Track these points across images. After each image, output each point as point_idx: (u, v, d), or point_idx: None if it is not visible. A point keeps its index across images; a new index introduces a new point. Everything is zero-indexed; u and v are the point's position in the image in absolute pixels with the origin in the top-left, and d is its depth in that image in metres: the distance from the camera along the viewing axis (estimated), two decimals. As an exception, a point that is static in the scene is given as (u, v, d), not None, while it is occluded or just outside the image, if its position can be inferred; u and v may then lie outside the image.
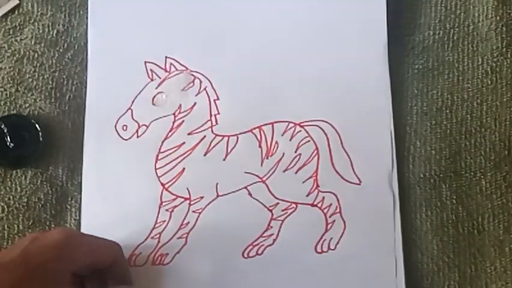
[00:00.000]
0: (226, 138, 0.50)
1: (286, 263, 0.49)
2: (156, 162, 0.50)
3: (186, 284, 0.49)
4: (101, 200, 0.50)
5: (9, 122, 0.50)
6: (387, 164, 0.50)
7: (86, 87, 0.52)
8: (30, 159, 0.50)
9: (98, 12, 0.53)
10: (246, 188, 0.50)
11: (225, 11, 0.52)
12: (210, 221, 0.49)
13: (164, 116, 0.51)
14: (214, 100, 0.51)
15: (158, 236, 0.49)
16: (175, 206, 0.50)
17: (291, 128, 0.50)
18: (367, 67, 0.51)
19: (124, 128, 0.51)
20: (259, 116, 0.51)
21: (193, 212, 0.50)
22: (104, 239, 0.45)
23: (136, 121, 0.51)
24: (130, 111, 0.51)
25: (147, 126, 0.51)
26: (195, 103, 0.51)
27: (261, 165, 0.50)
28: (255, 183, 0.50)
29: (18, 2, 0.53)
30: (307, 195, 0.50)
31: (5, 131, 0.50)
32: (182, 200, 0.50)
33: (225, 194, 0.50)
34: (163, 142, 0.50)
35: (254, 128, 0.51)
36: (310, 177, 0.50)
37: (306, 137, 0.50)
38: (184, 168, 0.50)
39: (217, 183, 0.50)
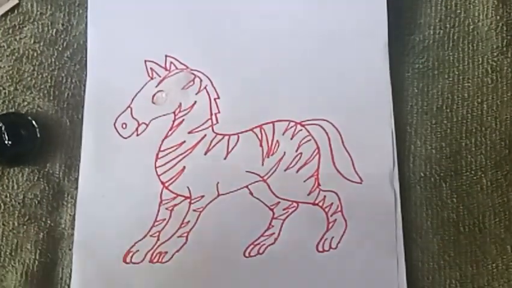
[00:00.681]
0: (226, 137, 0.50)
1: (287, 262, 0.49)
2: (156, 160, 0.50)
3: (186, 283, 0.49)
4: (100, 197, 0.49)
5: (7, 120, 0.50)
6: (389, 163, 0.50)
7: (85, 86, 0.51)
8: (28, 156, 0.50)
9: (98, 11, 0.52)
10: (247, 187, 0.50)
11: (225, 10, 0.52)
12: (211, 220, 0.49)
13: (164, 115, 0.50)
14: (215, 99, 0.51)
15: (157, 234, 0.49)
16: (175, 205, 0.49)
17: (292, 127, 0.50)
18: (368, 66, 0.51)
19: (124, 126, 0.50)
20: (260, 115, 0.51)
21: (194, 210, 0.49)
22: None
23: (135, 119, 0.50)
24: (129, 109, 0.50)
25: (147, 125, 0.50)
26: (195, 102, 0.51)
27: (262, 164, 0.50)
28: (256, 182, 0.50)
29: (17, 1, 0.53)
30: (308, 194, 0.50)
31: (3, 129, 0.50)
32: (183, 198, 0.49)
33: (226, 193, 0.49)
34: (163, 141, 0.50)
35: (255, 127, 0.50)
36: (311, 176, 0.50)
37: (307, 136, 0.50)
38: (184, 167, 0.50)
39: (217, 182, 0.50)
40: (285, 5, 0.52)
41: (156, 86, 0.51)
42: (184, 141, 0.50)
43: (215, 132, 0.50)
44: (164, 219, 0.49)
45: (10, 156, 0.50)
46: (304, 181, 0.50)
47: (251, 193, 0.50)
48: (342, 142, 0.50)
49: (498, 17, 0.52)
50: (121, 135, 0.50)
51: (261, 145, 0.50)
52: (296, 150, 0.50)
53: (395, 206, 0.49)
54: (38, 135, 0.50)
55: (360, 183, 0.50)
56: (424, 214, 0.50)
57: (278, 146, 0.50)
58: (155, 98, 0.51)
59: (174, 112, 0.51)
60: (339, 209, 0.49)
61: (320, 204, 0.49)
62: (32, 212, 0.50)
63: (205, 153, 0.50)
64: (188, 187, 0.49)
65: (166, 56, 0.51)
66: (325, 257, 0.49)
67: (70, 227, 0.50)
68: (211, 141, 0.50)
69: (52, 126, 0.51)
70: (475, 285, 0.49)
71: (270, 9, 0.52)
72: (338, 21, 0.52)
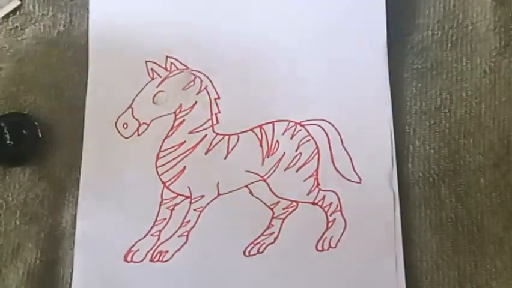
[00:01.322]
0: (227, 137, 0.51)
1: (287, 261, 0.49)
2: (157, 160, 0.50)
3: (186, 282, 0.49)
4: (101, 196, 0.50)
5: (8, 120, 0.51)
6: (388, 163, 0.50)
7: (86, 86, 0.51)
8: (30, 156, 0.50)
9: (99, 12, 0.53)
10: (247, 186, 0.50)
11: (225, 11, 0.52)
12: (211, 220, 0.49)
13: (165, 115, 0.51)
14: (215, 99, 0.51)
15: (158, 233, 0.49)
16: (176, 204, 0.50)
17: (291, 127, 0.51)
18: (367, 67, 0.51)
19: (125, 126, 0.51)
20: (260, 115, 0.51)
21: (194, 210, 0.50)
22: None
23: (136, 119, 0.51)
24: (130, 109, 0.51)
25: (148, 125, 0.51)
26: (196, 102, 0.51)
27: (262, 164, 0.50)
28: (256, 181, 0.50)
29: (19, 2, 0.53)
30: (308, 194, 0.50)
31: (5, 129, 0.50)
32: (183, 198, 0.50)
33: (226, 193, 0.50)
34: (163, 141, 0.50)
35: (255, 127, 0.51)
36: (311, 176, 0.50)
37: (307, 136, 0.51)
38: (185, 167, 0.50)
39: (218, 182, 0.50)
40: (285, 5, 0.53)
41: (157, 86, 0.51)
42: (185, 141, 0.51)
43: (215, 132, 0.51)
44: (165, 218, 0.49)
45: (12, 156, 0.50)
46: (303, 181, 0.50)
47: (251, 193, 0.50)
48: (342, 142, 0.50)
49: (496, 18, 0.52)
50: (122, 135, 0.51)
51: (261, 145, 0.51)
52: (296, 150, 0.50)
53: (393, 205, 0.50)
54: (40, 135, 0.50)
55: (359, 183, 0.50)
56: (423, 214, 0.50)
57: (278, 146, 0.51)
58: (156, 98, 0.51)
59: (175, 112, 0.51)
60: (338, 208, 0.50)
61: (320, 203, 0.50)
62: (33, 212, 0.50)
63: (206, 153, 0.50)
64: (188, 187, 0.50)
65: (166, 56, 0.52)
66: (324, 256, 0.49)
67: (71, 226, 0.50)
68: (212, 141, 0.51)
69: (54, 126, 0.51)
70: (473, 285, 0.49)
71: (269, 9, 0.53)
72: (337, 22, 0.52)
